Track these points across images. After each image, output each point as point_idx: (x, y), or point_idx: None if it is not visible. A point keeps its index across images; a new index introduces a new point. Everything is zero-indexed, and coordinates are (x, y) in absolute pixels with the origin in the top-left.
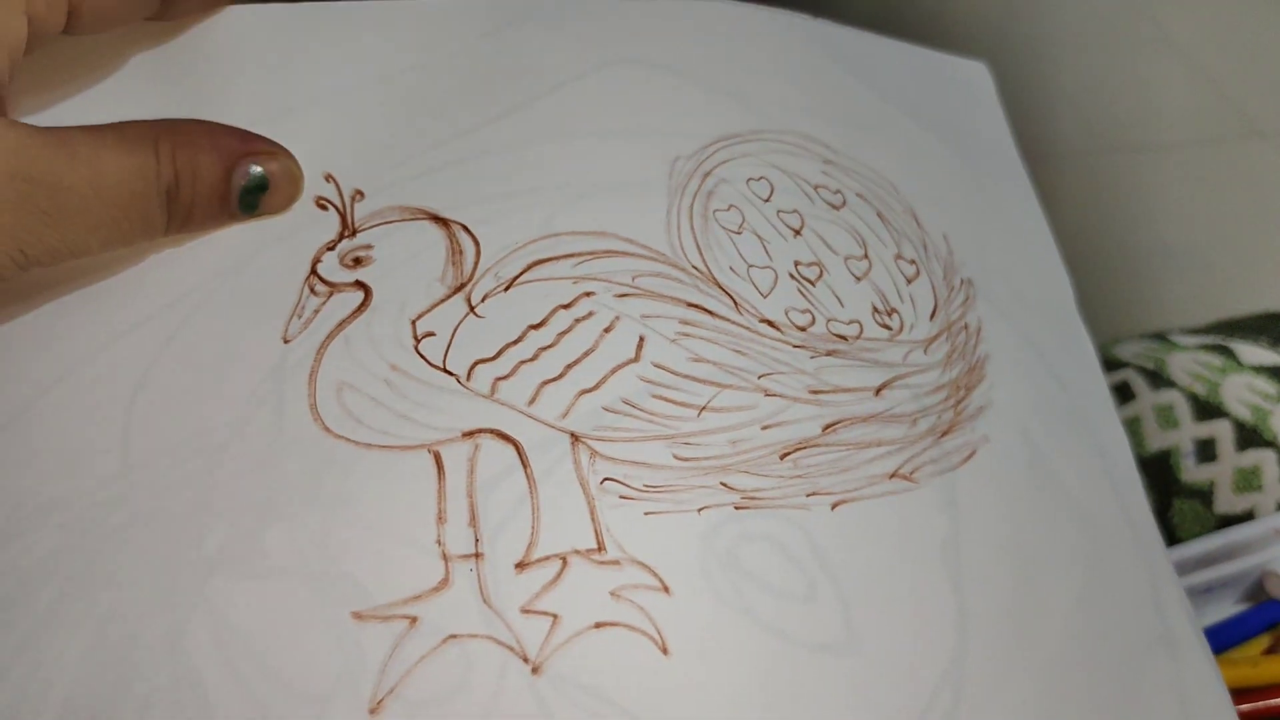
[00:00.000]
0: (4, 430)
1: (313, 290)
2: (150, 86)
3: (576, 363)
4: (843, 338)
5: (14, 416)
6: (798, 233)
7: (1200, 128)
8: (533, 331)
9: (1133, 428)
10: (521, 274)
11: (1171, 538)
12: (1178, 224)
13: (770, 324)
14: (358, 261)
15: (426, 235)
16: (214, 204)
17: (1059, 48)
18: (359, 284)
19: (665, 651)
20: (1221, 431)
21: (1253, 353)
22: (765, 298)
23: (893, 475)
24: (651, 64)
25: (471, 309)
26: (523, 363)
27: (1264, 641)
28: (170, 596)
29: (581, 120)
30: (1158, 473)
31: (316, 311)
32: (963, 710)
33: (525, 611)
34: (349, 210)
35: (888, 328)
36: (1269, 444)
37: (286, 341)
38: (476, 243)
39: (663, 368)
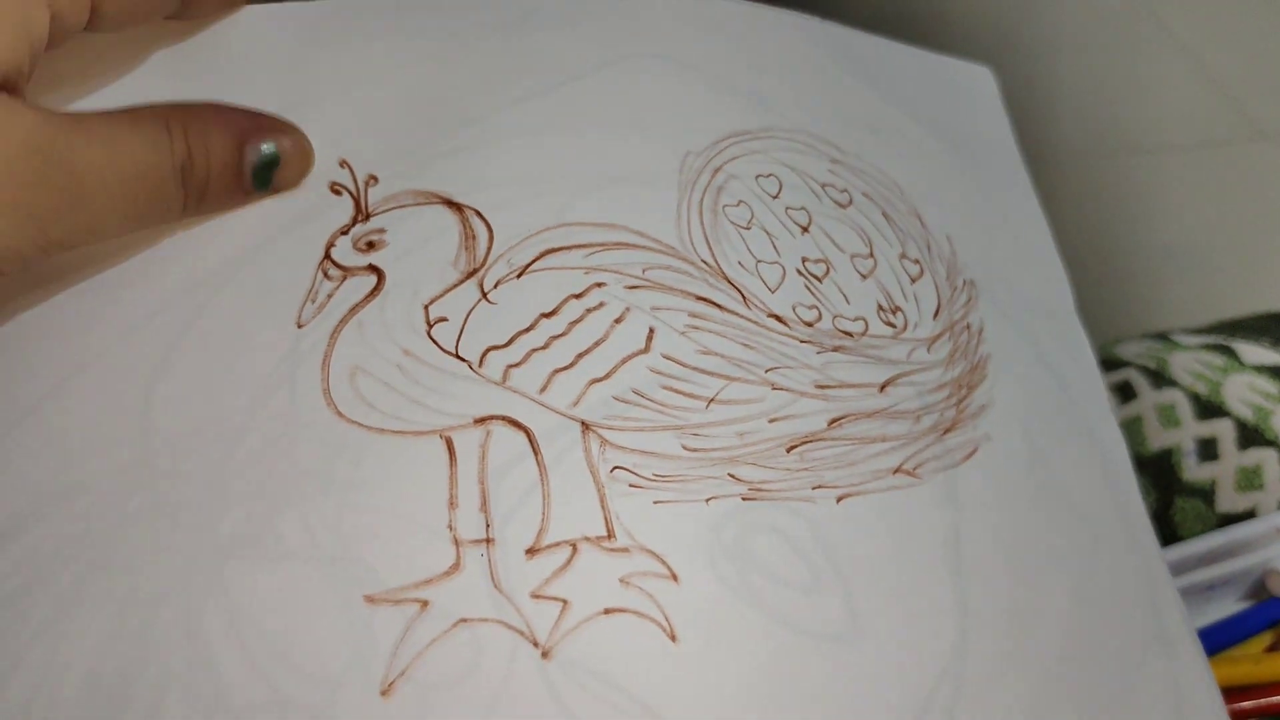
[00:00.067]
0: (26, 418)
1: (326, 275)
2: (168, 84)
3: (587, 352)
4: (848, 334)
5: (35, 405)
6: (805, 230)
7: (1204, 129)
8: (544, 320)
9: (1134, 427)
10: (534, 262)
11: (1173, 536)
12: (1182, 226)
13: (778, 319)
14: (371, 246)
15: (440, 220)
16: (228, 180)
17: (1064, 49)
18: (372, 268)
19: (673, 638)
20: (1223, 431)
21: (1254, 352)
22: (773, 293)
23: (896, 470)
24: (664, 59)
25: (484, 295)
26: (534, 350)
27: (1266, 639)
28: (186, 580)
29: (594, 112)
30: (1159, 471)
31: (330, 296)
32: (963, 703)
33: (535, 597)
34: (363, 195)
35: (892, 325)
36: (1270, 443)
37: (300, 326)
38: (490, 229)
39: (672, 359)
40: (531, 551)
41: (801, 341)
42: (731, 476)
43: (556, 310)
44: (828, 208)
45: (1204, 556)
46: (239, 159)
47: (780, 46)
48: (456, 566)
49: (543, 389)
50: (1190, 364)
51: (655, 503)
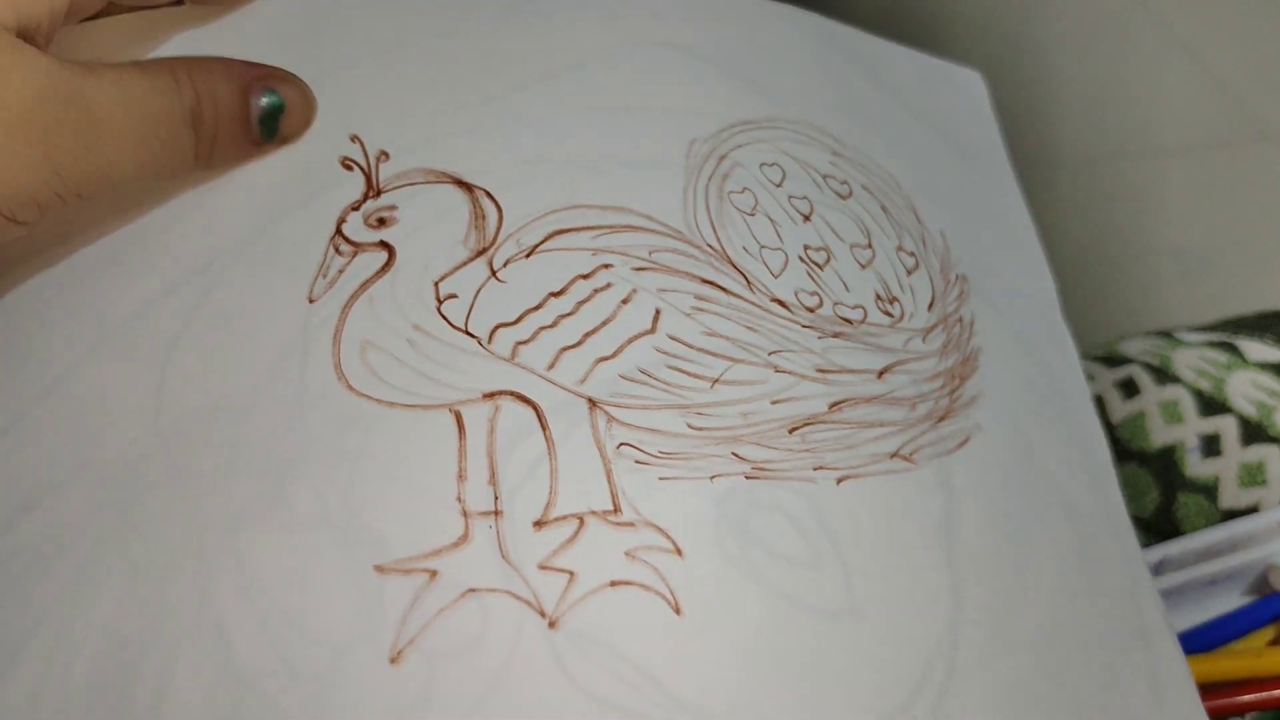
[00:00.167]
0: (47, 394)
1: (337, 250)
2: None
3: (595, 331)
4: (848, 321)
5: (56, 380)
6: (807, 218)
7: (1208, 130)
8: (553, 299)
9: (1138, 423)
10: (543, 242)
11: (1176, 532)
12: (1187, 226)
13: (781, 303)
14: (382, 222)
15: (450, 198)
16: (236, 128)
17: (1067, 51)
18: (383, 244)
19: (677, 611)
20: (1226, 427)
21: (1258, 350)
22: (776, 278)
23: (894, 455)
24: (673, 47)
25: (493, 273)
26: (543, 328)
27: (1268, 634)
28: (199, 549)
29: (604, 96)
30: (1163, 467)
31: (341, 271)
32: (956, 680)
33: (543, 568)
34: (374, 170)
35: (890, 315)
36: (1274, 439)
37: (312, 301)
38: (499, 208)
39: (678, 340)
40: (539, 524)
41: (804, 326)
42: (735, 455)
43: (565, 290)
44: (829, 198)
45: (1206, 551)
46: (245, 106)
47: (785, 41)
48: (465, 538)
49: (551, 366)
50: (1194, 361)
51: (660, 479)
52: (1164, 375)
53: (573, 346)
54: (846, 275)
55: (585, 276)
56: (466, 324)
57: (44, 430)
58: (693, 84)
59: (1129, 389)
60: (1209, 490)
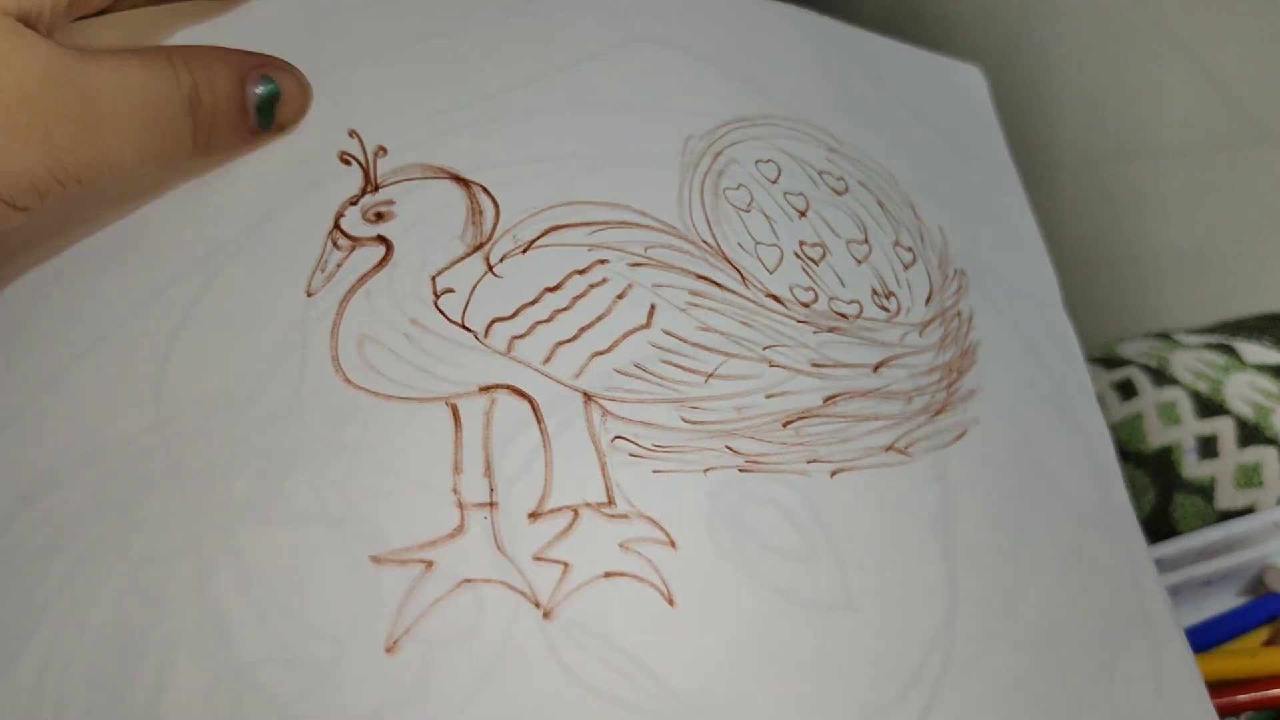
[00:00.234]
0: (49, 387)
1: (335, 244)
2: None
3: (590, 326)
4: (844, 316)
5: (57, 374)
6: (803, 214)
7: (1209, 133)
8: (549, 294)
9: (1135, 424)
10: (539, 238)
11: (1173, 532)
12: (1187, 228)
13: (776, 299)
14: (380, 216)
15: (447, 194)
16: (234, 116)
17: (1069, 54)
18: (381, 239)
19: (671, 602)
20: (1223, 428)
21: (1255, 352)
22: (771, 274)
23: (889, 448)
24: (670, 45)
25: (490, 268)
26: (539, 323)
27: (1264, 634)
28: (198, 541)
29: (601, 94)
30: (1160, 468)
31: (339, 265)
32: (951, 673)
33: (537, 559)
34: (372, 165)
35: (886, 309)
36: (1270, 441)
37: (310, 295)
38: (496, 204)
39: (673, 335)
40: (534, 516)
41: (798, 321)
42: (729, 449)
43: (560, 285)
44: (825, 194)
45: (1202, 551)
46: (242, 94)
47: (783, 38)
48: (461, 529)
49: (546, 360)
50: (1191, 363)
51: (655, 472)
52: (1162, 377)
53: (568, 341)
54: (842, 270)
55: (581, 272)
56: (463, 318)
57: (45, 424)
58: (689, 82)
59: (1126, 390)
60: (1206, 491)
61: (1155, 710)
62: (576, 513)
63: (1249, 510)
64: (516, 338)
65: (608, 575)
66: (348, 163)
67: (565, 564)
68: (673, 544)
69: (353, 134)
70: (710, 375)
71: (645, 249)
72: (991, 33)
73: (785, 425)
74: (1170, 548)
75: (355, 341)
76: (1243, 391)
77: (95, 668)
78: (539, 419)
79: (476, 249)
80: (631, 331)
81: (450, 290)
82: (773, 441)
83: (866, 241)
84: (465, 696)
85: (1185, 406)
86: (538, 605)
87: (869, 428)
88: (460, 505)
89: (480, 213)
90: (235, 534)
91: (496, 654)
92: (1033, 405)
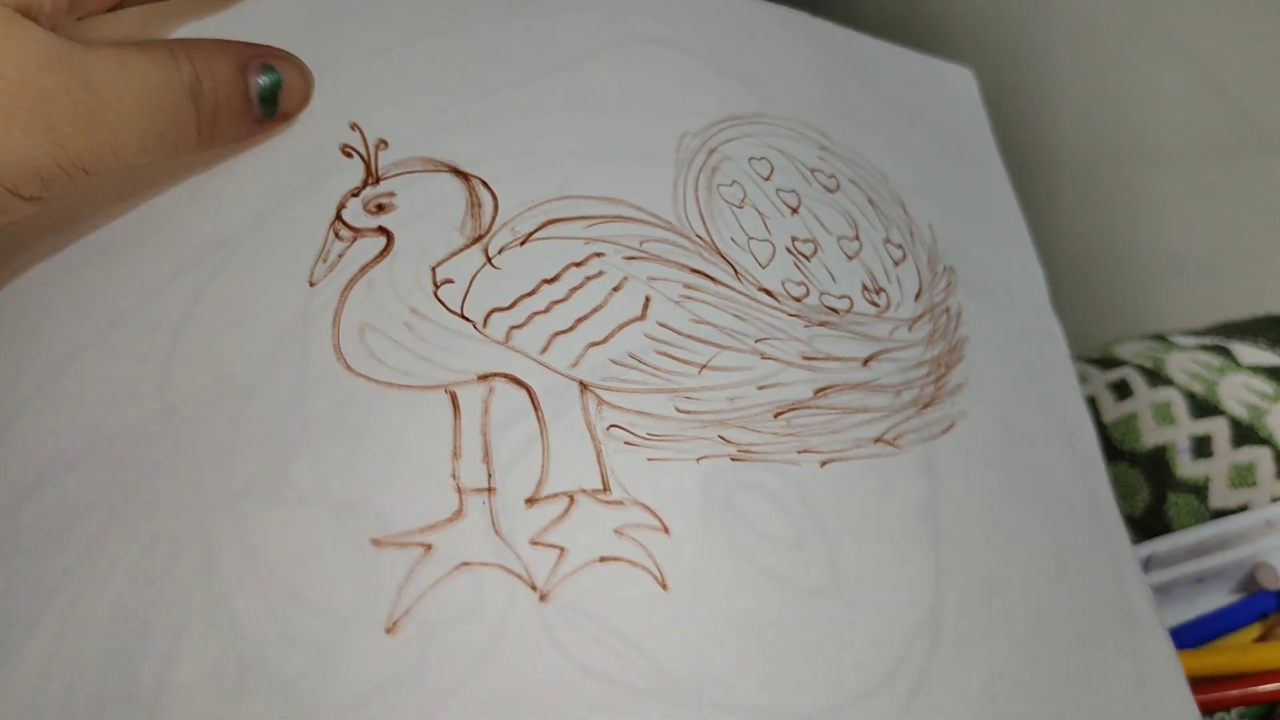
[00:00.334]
0: (58, 375)
1: (337, 235)
2: None
3: (586, 317)
4: (834, 310)
5: (66, 362)
6: (795, 211)
7: (1210, 137)
8: (546, 285)
9: (1130, 423)
10: (537, 230)
11: (1166, 530)
12: (1186, 233)
13: (768, 293)
14: (381, 208)
15: (447, 187)
16: (236, 105)
17: (1069, 57)
18: (381, 230)
19: (664, 586)
20: (1218, 429)
21: (1251, 353)
22: (764, 268)
23: (878, 440)
24: (666, 45)
25: (489, 260)
26: (536, 314)
27: (1255, 630)
28: (204, 525)
29: (598, 92)
30: (1154, 467)
31: (341, 256)
32: (938, 657)
33: (534, 543)
34: (373, 158)
35: (875, 304)
36: (1264, 441)
37: (312, 284)
38: (495, 198)
39: (667, 327)
40: (531, 501)
41: (790, 315)
42: (722, 438)
43: (557, 277)
44: (816, 191)
45: (1194, 548)
46: (243, 83)
47: (777, 39)
48: (459, 513)
49: (543, 350)
50: (1187, 364)
51: (649, 460)
52: (1157, 377)
53: (565, 331)
54: (833, 266)
55: (578, 264)
56: (462, 308)
57: (54, 411)
58: (684, 80)
59: (1122, 390)
60: (1199, 490)
61: (1138, 700)
62: (572, 498)
63: (1242, 509)
64: (514, 328)
65: (603, 559)
66: (349, 155)
67: (561, 548)
68: (666, 530)
69: (354, 127)
70: (703, 366)
71: (641, 243)
72: (994, 36)
73: (777, 416)
74: (1163, 544)
75: (357, 330)
76: (1237, 392)
77: (104, 647)
78: (536, 407)
79: (475, 241)
80: (627, 323)
81: (450, 281)
82: (764, 432)
83: (857, 238)
84: (463, 675)
85: (1180, 407)
86: (534, 588)
87: (858, 419)
88: (459, 490)
89: (479, 206)
90: (240, 517)
91: (494, 634)
92: (1019, 400)
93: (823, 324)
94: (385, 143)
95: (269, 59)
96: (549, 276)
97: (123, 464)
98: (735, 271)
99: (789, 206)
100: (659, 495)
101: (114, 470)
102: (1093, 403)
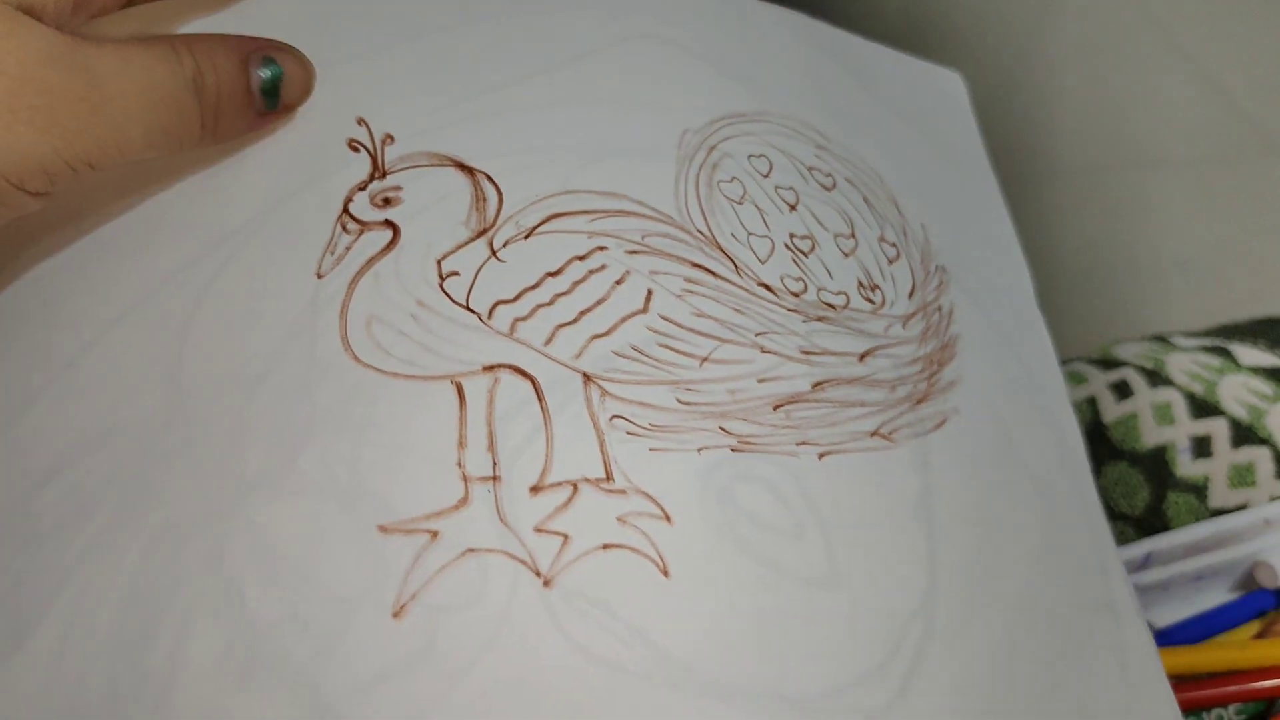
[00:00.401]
0: (70, 366)
1: (344, 228)
2: None
3: (589, 310)
4: (831, 306)
5: (79, 353)
6: (793, 208)
7: (1212, 143)
8: (550, 278)
9: (1130, 423)
10: (540, 224)
11: (1166, 529)
12: (1190, 238)
13: (767, 288)
14: (387, 202)
15: (452, 182)
16: (239, 98)
17: (1075, 64)
18: (388, 223)
19: (666, 574)
20: (1217, 429)
21: (1250, 354)
22: (763, 264)
23: (873, 434)
24: (667, 43)
25: (493, 253)
26: (540, 306)
27: (1254, 628)
28: (214, 512)
29: (601, 88)
30: (1154, 466)
31: (348, 248)
32: (933, 644)
33: (538, 531)
34: (380, 152)
35: (871, 301)
36: (1264, 441)
37: (320, 277)
38: (499, 192)
39: (669, 320)
40: (535, 489)
41: (789, 310)
42: (722, 429)
43: (561, 270)
44: (814, 189)
45: (1193, 546)
46: (245, 76)
47: (777, 40)
48: (465, 500)
49: (547, 341)
50: (1187, 365)
51: (651, 450)
52: (1157, 378)
53: (569, 324)
54: (830, 263)
55: (581, 258)
56: (467, 300)
57: (67, 401)
58: (685, 78)
59: (1122, 390)
60: (1199, 490)
61: (1121, 688)
62: (576, 487)
63: (1241, 509)
64: (519, 320)
65: (606, 547)
66: (356, 150)
67: (565, 535)
68: (668, 518)
69: (361, 122)
70: (704, 359)
71: (643, 237)
72: (998, 41)
73: (776, 409)
74: (1162, 542)
75: (364, 321)
76: (1237, 393)
77: (116, 631)
78: (540, 397)
79: (480, 234)
80: (629, 316)
81: (455, 273)
82: (764, 424)
83: (853, 236)
84: (469, 659)
85: (1180, 407)
86: (538, 574)
87: (855, 413)
88: (464, 478)
89: (484, 200)
90: (250, 505)
91: (499, 620)
92: (1009, 398)
93: (820, 319)
94: (391, 138)
95: (270, 52)
96: (553, 270)
97: (134, 453)
98: (735, 266)
99: (787, 204)
100: (661, 484)
101: (125, 459)
102: (1093, 403)
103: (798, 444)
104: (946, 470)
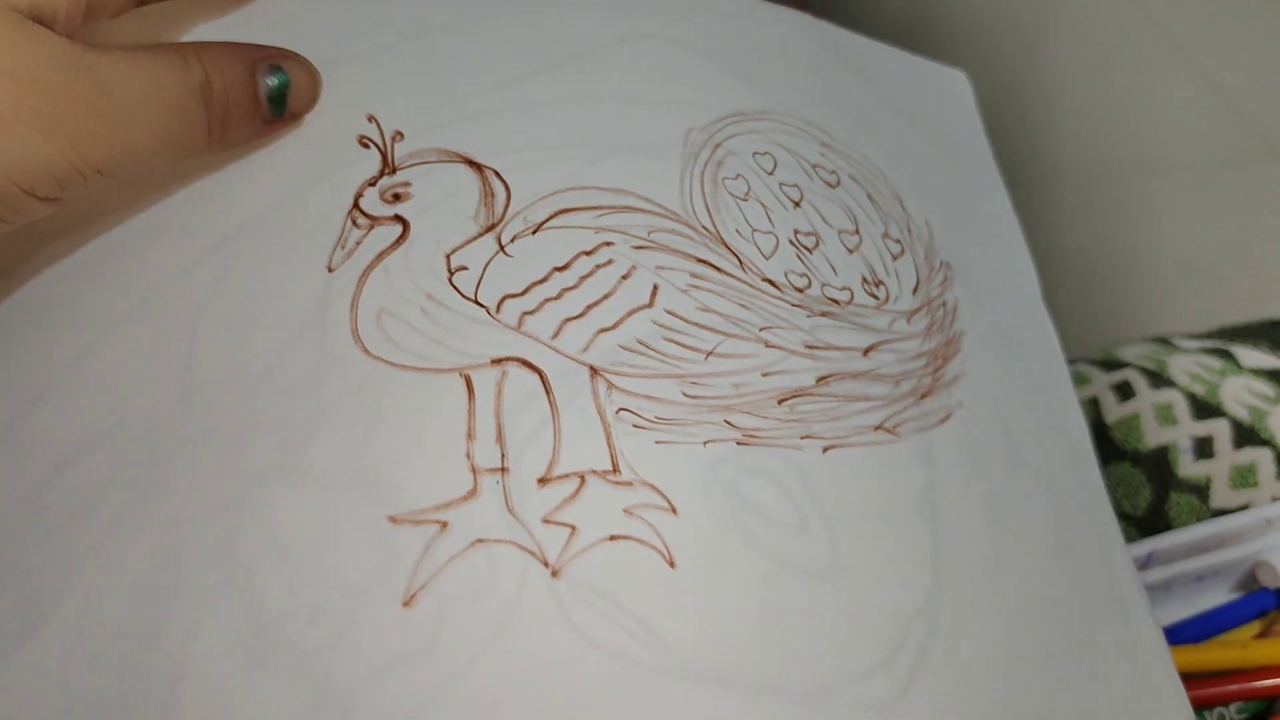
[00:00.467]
0: (83, 359)
1: (355, 223)
2: None
3: (596, 304)
4: (835, 301)
5: (91, 347)
6: (797, 205)
7: (1216, 147)
8: (557, 273)
9: (1132, 424)
10: (548, 220)
11: (1168, 529)
12: (1194, 241)
13: (771, 283)
14: (397, 197)
15: (461, 178)
16: (246, 106)
17: (1080, 69)
18: (398, 218)
19: (671, 565)
20: (1219, 430)
21: (1252, 356)
22: (767, 259)
23: (878, 428)
24: (673, 42)
25: (501, 248)
26: (548, 300)
27: (1255, 627)
28: (224, 503)
29: (607, 86)
30: (1156, 467)
31: (358, 243)
32: (936, 640)
33: (546, 522)
34: (389, 149)
35: (875, 297)
36: (1265, 443)
37: (331, 271)
38: (507, 188)
39: (674, 314)
40: (543, 481)
41: (793, 305)
42: (727, 423)
43: (568, 265)
44: (818, 187)
45: (1195, 546)
46: (252, 84)
47: (781, 39)
48: (474, 492)
49: (555, 335)
50: (1189, 366)
51: (657, 442)
52: (1159, 379)
53: (576, 318)
54: (834, 259)
55: (588, 253)
56: (476, 294)
57: (78, 394)
58: (690, 76)
59: (1124, 391)
60: (1201, 490)
61: (1129, 687)
62: (583, 479)
63: (1243, 509)
64: (526, 314)
65: (612, 538)
66: (366, 146)
67: (572, 526)
68: (674, 510)
69: (371, 119)
70: (709, 353)
71: (649, 233)
72: (1000, 44)
73: (780, 402)
74: (1163, 542)
75: (374, 315)
76: (1239, 394)
77: (127, 621)
78: (548, 390)
79: (489, 229)
80: (635, 310)
81: (464, 268)
82: (768, 417)
83: (857, 232)
84: (477, 648)
85: (1182, 408)
86: (546, 564)
87: (859, 408)
88: (473, 470)
89: (492, 195)
90: (260, 497)
91: (507, 609)
92: (1013, 393)
93: (824, 314)
94: (401, 134)
95: (277, 60)
96: (560, 264)
97: (145, 445)
98: (740, 262)
99: (791, 200)
100: (667, 477)
101: (136, 451)
102: (1096, 403)
103: (802, 438)
104: (951, 465)
